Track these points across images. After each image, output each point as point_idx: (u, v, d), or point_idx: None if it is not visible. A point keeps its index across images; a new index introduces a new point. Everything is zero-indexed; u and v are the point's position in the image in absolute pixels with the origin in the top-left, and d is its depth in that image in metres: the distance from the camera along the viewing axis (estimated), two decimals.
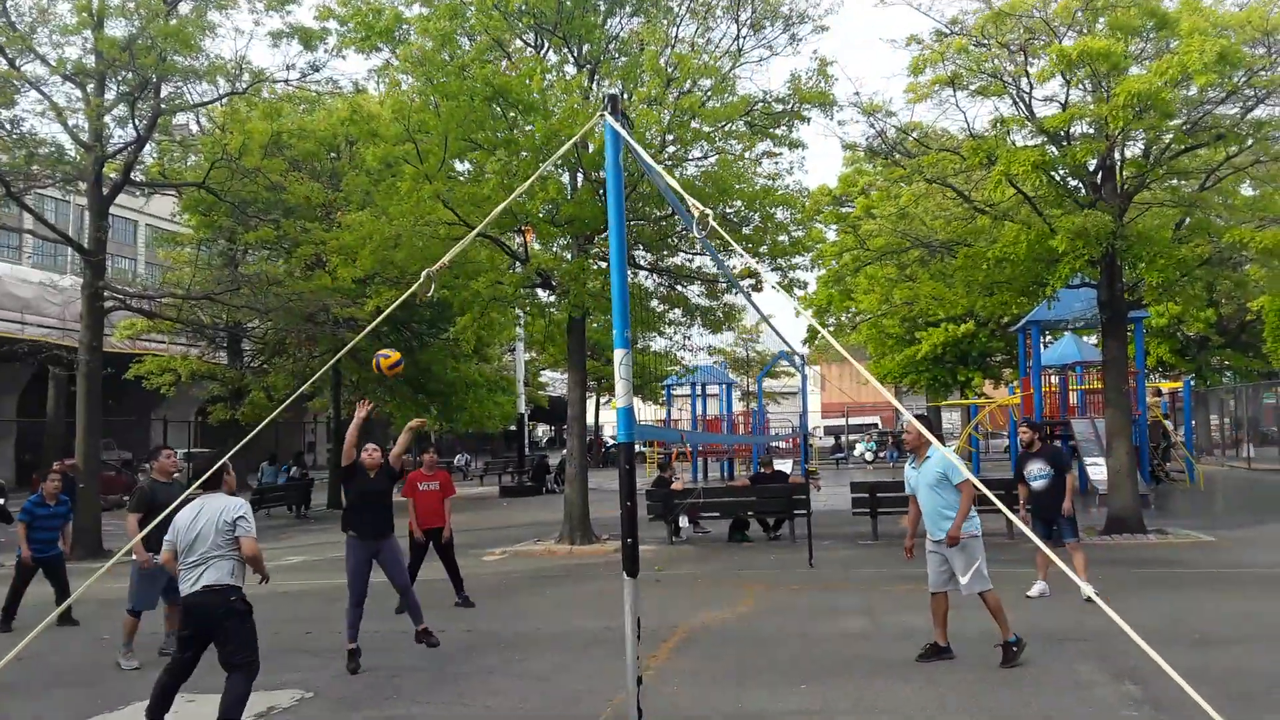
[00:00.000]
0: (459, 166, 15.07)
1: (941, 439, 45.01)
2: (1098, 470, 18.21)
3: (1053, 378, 26.16)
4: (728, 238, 4.54)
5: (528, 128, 13.12)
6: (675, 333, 18.91)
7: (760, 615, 9.27)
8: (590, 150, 12.79)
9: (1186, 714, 5.53)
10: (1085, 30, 12.47)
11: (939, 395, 40.23)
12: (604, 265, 14.23)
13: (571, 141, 6.91)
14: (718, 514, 15.60)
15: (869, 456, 40.97)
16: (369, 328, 7.33)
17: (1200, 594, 9.64)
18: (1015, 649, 6.81)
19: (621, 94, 13.59)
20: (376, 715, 6.17)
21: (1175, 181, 15.63)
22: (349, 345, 8.89)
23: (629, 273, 16.43)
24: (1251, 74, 12.21)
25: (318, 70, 17.61)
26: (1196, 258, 14.10)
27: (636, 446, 5.00)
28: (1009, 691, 6.29)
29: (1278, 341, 34.51)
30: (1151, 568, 11.29)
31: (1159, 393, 31.38)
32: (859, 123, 15.04)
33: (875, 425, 49.80)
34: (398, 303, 6.30)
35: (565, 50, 14.18)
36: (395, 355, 7.60)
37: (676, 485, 16.13)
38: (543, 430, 65.80)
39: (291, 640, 8.64)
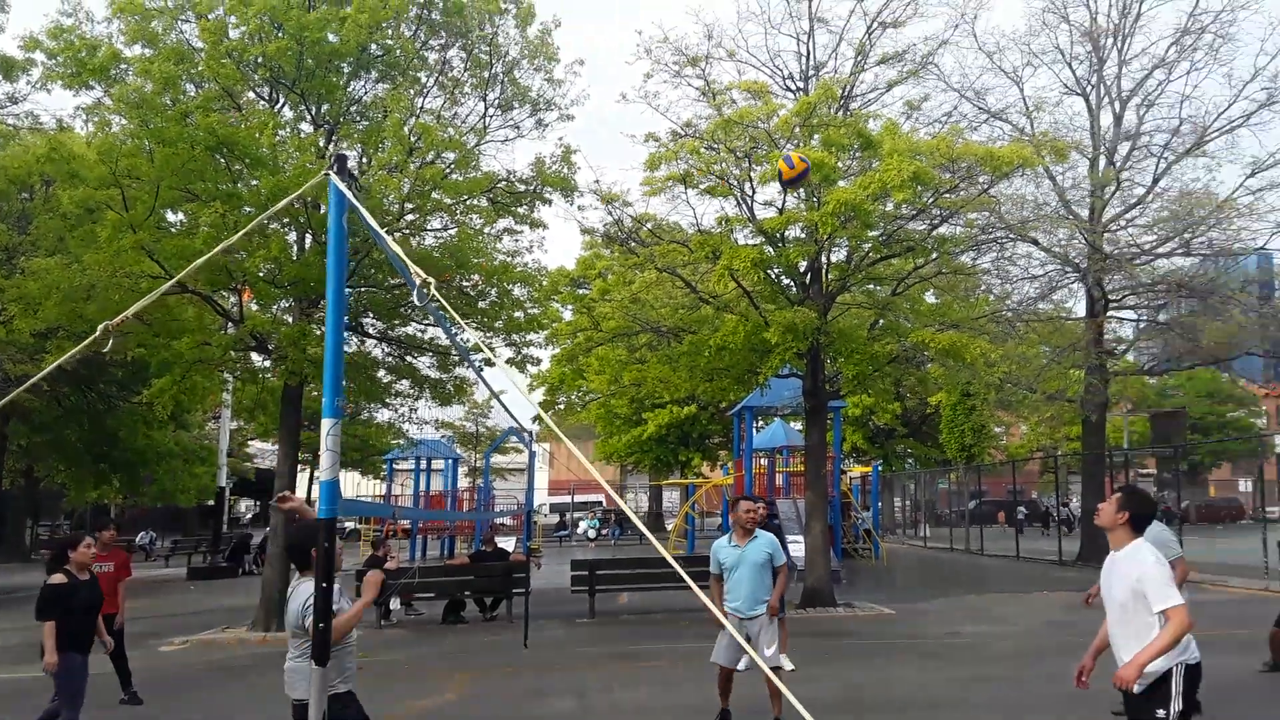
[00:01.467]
0: (171, 217, 13.82)
1: (662, 515, 46.28)
2: (797, 547, 19.45)
3: (762, 460, 27.84)
4: (448, 307, 4.34)
5: (253, 182, 12.30)
6: (402, 404, 18.25)
7: (470, 701, 8.95)
8: (321, 211, 12.18)
9: None
10: (802, 144, 13.66)
11: (662, 474, 41.67)
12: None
13: (291, 198, 6.46)
14: (433, 594, 14.98)
15: (591, 534, 41.41)
16: (30, 381, 6.34)
17: (880, 663, 10.45)
18: None
19: (361, 158, 13.19)
20: None
21: (871, 286, 17.39)
22: (7, 398, 7.66)
23: (356, 340, 15.80)
24: (938, 194, 13.88)
25: (16, 103, 15.69)
26: (886, 355, 15.59)
27: (350, 524, 4.60)
28: None
29: (951, 433, 39.10)
30: (839, 638, 12.13)
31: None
32: (598, 209, 15.52)
33: (600, 503, 50.58)
34: (68, 356, 5.53)
35: (303, 107, 13.52)
36: None
37: (390, 564, 15.33)
38: (246, 505, 60.75)
39: None
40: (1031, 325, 21.87)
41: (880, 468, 36.82)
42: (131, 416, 22.86)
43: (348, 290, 15.19)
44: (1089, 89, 22.67)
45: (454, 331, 10.69)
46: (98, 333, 4.45)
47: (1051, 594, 17.19)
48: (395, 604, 14.78)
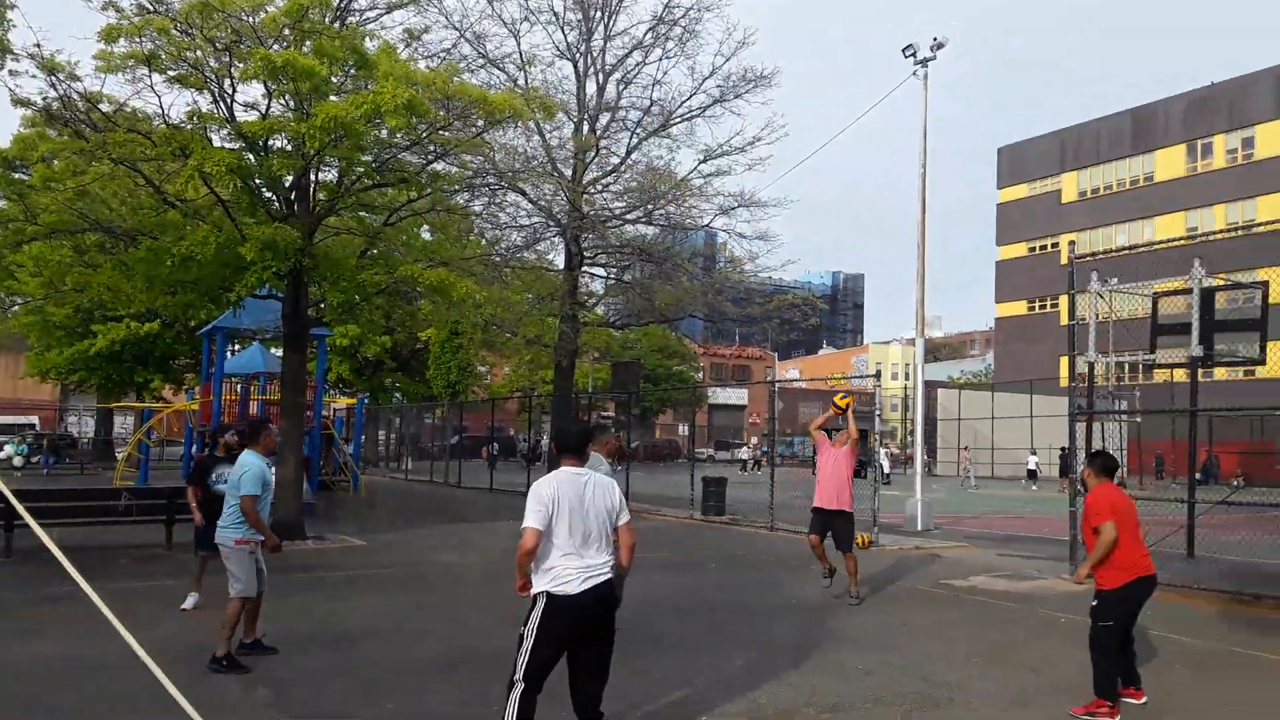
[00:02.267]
0: None
1: (112, 443, 41.12)
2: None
3: (236, 386, 25.87)
4: None
5: None
6: None
7: None
8: None
9: (311, 708, 5.74)
10: (293, 47, 12.54)
11: (112, 396, 36.81)
12: None
13: None
14: None
15: (18, 462, 35.26)
16: None
17: (345, 595, 10.26)
18: (227, 663, 6.73)
19: None
20: None
21: (364, 214, 16.77)
22: None
23: None
24: (433, 129, 13.67)
25: None
26: (376, 285, 15.18)
27: None
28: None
29: (439, 369, 39.98)
30: (305, 572, 11.69)
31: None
32: (37, 78, 12.81)
33: (33, 426, 43.38)
34: None
35: None
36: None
37: None
38: None
39: None
40: (517, 272, 22.95)
41: (366, 400, 36.41)
42: None
43: None
44: (578, 56, 24.17)
45: None
46: None
47: (515, 523, 18.30)
48: None
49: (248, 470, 7.04)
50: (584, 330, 26.04)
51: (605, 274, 27.67)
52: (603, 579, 4.71)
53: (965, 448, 38.84)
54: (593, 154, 23.78)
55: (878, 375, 20.30)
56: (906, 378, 57.70)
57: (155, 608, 8.87)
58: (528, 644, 4.61)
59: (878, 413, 16.59)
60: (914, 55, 18.84)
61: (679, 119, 24.34)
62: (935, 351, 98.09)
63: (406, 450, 39.58)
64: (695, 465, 23.17)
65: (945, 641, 8.30)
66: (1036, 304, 57.39)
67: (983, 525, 19.88)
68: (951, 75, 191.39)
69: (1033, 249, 58.47)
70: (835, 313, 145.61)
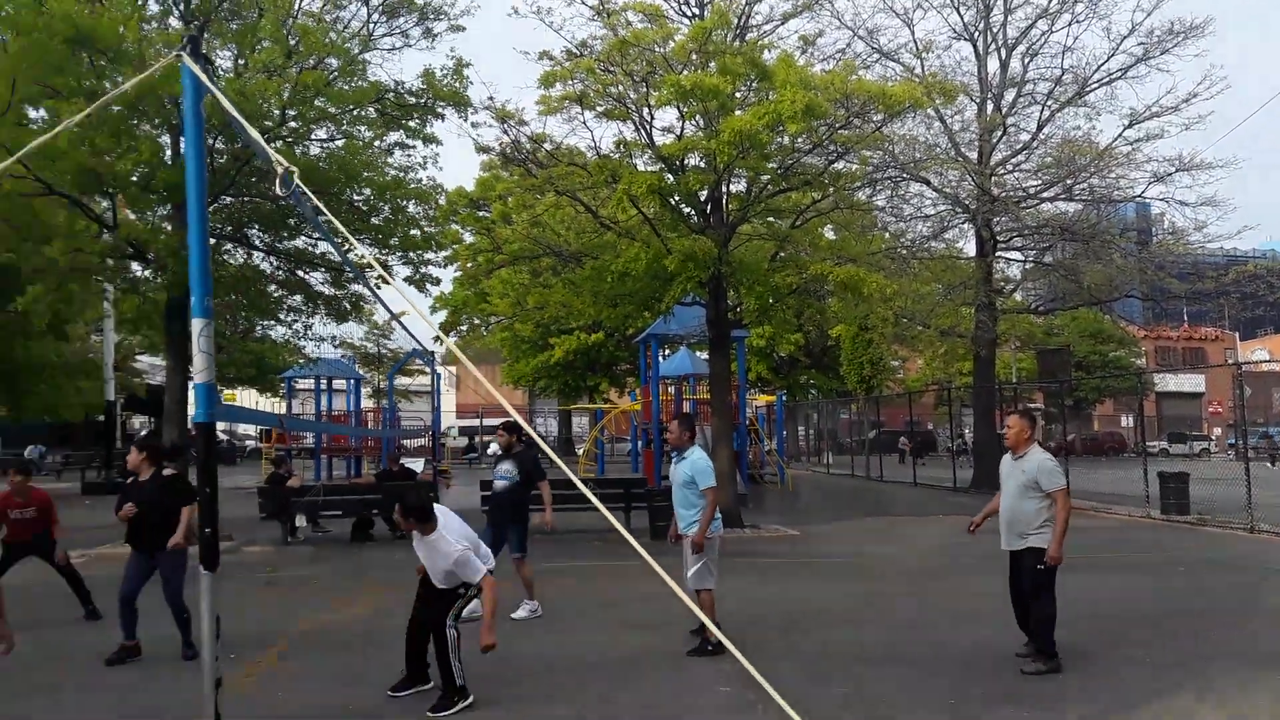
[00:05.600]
0: (33, 114, 13.03)
1: (571, 440, 46.54)
2: None
3: (669, 387, 28.21)
4: (314, 199, 4.22)
5: (117, 79, 11.65)
6: (294, 320, 17.83)
7: (379, 616, 8.83)
8: None
9: (772, 685, 6.18)
10: (699, 70, 13.57)
11: (570, 399, 41.84)
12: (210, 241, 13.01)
13: (138, 79, 6.14)
14: (340, 513, 14.83)
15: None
16: None
17: (786, 581, 10.78)
18: (711, 649, 7.00)
19: (236, 59, 12.60)
20: None
21: (771, 219, 17.54)
22: None
23: (243, 253, 15.31)
24: (832, 129, 13.98)
25: None
26: (787, 286, 15.81)
27: (252, 442, 4.49)
28: (622, 668, 6.54)
29: (851, 365, 40.15)
30: (746, 558, 12.41)
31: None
32: (493, 127, 15.16)
33: None
34: None
35: (170, 1, 12.78)
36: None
37: (294, 482, 15.17)
38: (140, 422, 59.00)
39: None
40: (925, 263, 22.41)
41: (784, 397, 37.66)
42: (7, 327, 21.77)
43: (230, 199, 14.65)
44: (976, 35, 22.90)
45: (335, 236, 10.42)
46: None
47: (946, 518, 17.99)
48: (301, 521, 14.61)
49: (709, 465, 7.20)
50: (1002, 318, 24.71)
51: (1022, 257, 25.97)
52: None
53: None
54: (999, 133, 22.51)
55: None
56: None
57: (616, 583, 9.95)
58: None
59: None
60: None
61: (1095, 85, 22.15)
62: None
63: (827, 445, 40.23)
64: (1147, 459, 20.84)
65: None
66: None
67: None
68: None
69: None
70: None
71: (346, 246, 10.42)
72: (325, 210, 4.57)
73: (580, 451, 36.63)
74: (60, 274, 13.11)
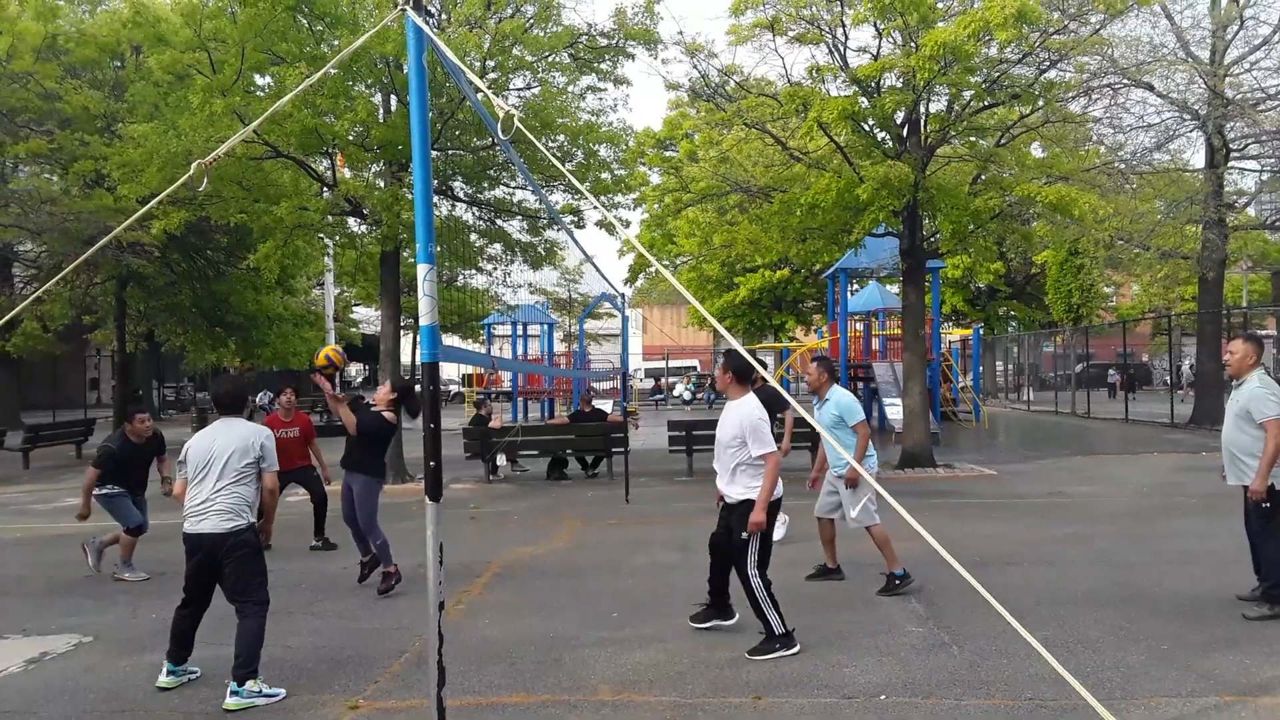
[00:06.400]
0: (259, 81, 13.98)
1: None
2: (895, 410, 19.34)
3: (858, 324, 27.52)
4: (533, 139, 4.29)
5: (334, 42, 12.28)
6: (495, 269, 18.52)
7: (575, 550, 9.30)
8: (404, 71, 12.14)
9: (966, 628, 6.02)
10: None
11: (755, 339, 41.65)
12: None
13: (365, 37, 6.40)
14: (536, 452, 15.57)
15: (687, 397, 42.01)
16: (122, 227, 6.60)
17: (980, 521, 10.38)
18: (899, 581, 7.00)
19: (440, 13, 12.99)
20: (159, 661, 5.69)
21: (974, 139, 16.55)
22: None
23: (447, 204, 15.95)
24: (1045, 35, 12.95)
25: None
26: (989, 210, 14.95)
27: (454, 388, 4.70)
28: (809, 608, 6.52)
29: (1058, 294, 37.74)
30: (938, 498, 12.11)
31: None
32: (682, 62, 15.02)
33: (694, 368, 51.07)
34: (165, 194, 5.77)
35: None
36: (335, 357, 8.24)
37: (494, 423, 15.92)
38: (357, 369, 63.55)
39: (69, 583, 8.14)
40: (1146, 178, 20.57)
41: (981, 331, 35.99)
42: (240, 282, 23.81)
43: (435, 153, 15.22)
44: None
45: (543, 192, 10.66)
46: (192, 169, 4.62)
47: (1162, 455, 16.80)
48: (502, 460, 15.39)
49: (853, 400, 7.27)
50: (1233, 236, 22.51)
51: (1259, 167, 23.47)
52: None
53: None
54: (1236, 28, 20.22)
55: None
56: None
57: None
58: None
59: None
60: None
61: None
62: None
63: (1027, 380, 38.31)
64: None
65: None
66: None
67: None
68: None
69: None
70: None
71: (568, 187, 10.51)
72: (547, 151, 4.62)
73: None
74: (287, 231, 14.11)
